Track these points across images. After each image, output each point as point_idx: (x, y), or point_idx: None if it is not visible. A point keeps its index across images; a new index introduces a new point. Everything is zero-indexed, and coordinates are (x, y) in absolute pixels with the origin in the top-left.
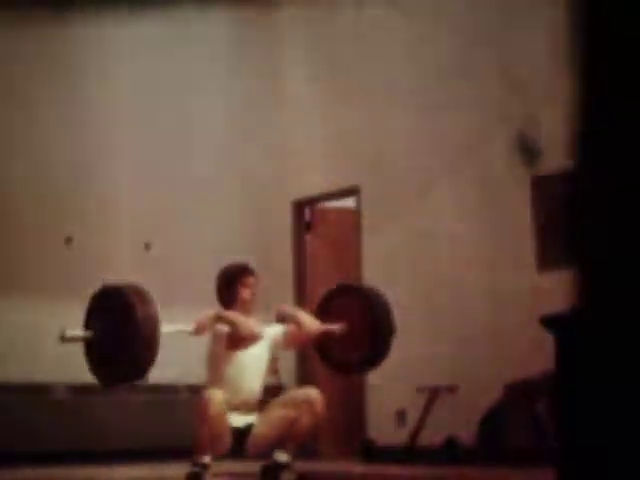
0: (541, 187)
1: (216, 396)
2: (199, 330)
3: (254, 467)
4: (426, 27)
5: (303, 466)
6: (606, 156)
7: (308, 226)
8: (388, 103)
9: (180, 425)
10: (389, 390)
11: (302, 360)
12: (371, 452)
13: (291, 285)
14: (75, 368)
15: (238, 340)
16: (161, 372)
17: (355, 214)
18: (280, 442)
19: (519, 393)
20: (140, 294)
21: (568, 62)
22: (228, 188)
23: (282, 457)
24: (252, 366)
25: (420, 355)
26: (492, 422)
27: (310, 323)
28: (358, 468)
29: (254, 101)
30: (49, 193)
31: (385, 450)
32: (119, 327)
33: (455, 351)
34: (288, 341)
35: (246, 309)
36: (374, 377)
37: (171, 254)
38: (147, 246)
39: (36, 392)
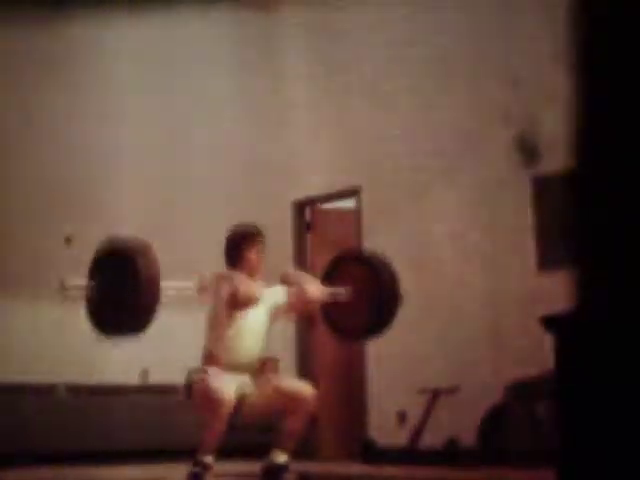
0: (541, 187)
1: (228, 394)
2: (201, 289)
3: (254, 467)
4: (426, 27)
5: (303, 466)
6: (606, 155)
7: (308, 226)
8: (388, 103)
9: (180, 426)
10: (390, 391)
11: (302, 360)
12: (371, 453)
13: None
14: (75, 368)
15: (238, 302)
16: (161, 373)
17: (355, 215)
18: (271, 418)
19: (519, 394)
20: (144, 249)
21: (568, 62)
22: (228, 188)
23: (281, 458)
24: (251, 329)
25: (420, 356)
26: (493, 423)
27: (314, 288)
28: (358, 469)
29: (254, 101)
30: (49, 193)
31: (385, 451)
32: (121, 280)
33: (455, 352)
34: (290, 306)
35: (252, 271)
36: (375, 378)
37: (171, 254)
38: None
39: (36, 392)
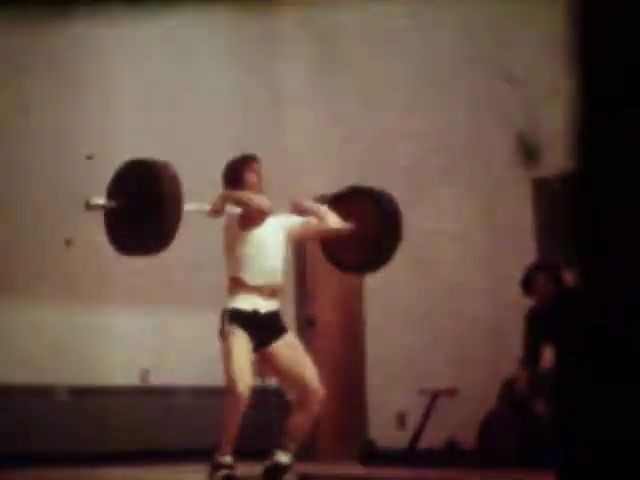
0: (541, 187)
1: (246, 388)
2: (214, 211)
3: (255, 468)
4: (426, 26)
5: (303, 467)
6: (606, 156)
7: None
8: (388, 103)
9: (180, 427)
10: (390, 392)
11: None
12: (371, 454)
13: (291, 285)
14: (76, 369)
15: (250, 218)
16: (161, 374)
17: None
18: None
19: (517, 393)
20: (168, 169)
21: (568, 62)
22: None
23: (283, 458)
24: (268, 243)
25: (420, 356)
26: (492, 424)
27: (332, 217)
28: (358, 470)
29: (254, 101)
30: (49, 194)
31: (385, 452)
32: (145, 198)
33: (455, 352)
34: (305, 231)
35: (255, 193)
36: (375, 378)
37: (171, 255)
38: None
39: (37, 393)
